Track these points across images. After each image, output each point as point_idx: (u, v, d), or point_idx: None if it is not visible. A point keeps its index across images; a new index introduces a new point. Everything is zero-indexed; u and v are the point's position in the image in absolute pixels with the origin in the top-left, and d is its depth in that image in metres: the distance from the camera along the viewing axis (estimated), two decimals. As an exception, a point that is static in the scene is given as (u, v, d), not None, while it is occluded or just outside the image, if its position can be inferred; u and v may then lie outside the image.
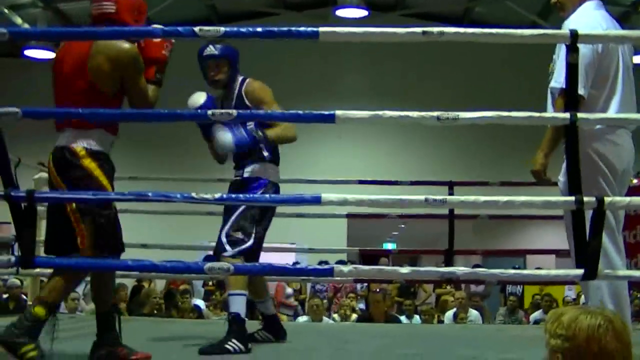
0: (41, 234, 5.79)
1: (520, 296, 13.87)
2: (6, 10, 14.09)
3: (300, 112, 3.76)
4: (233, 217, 4.70)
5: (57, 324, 3.81)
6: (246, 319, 4.60)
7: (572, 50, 3.61)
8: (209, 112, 3.85)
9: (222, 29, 3.67)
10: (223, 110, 3.90)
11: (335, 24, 3.84)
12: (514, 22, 14.87)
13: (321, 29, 3.66)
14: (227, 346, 4.38)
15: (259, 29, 3.73)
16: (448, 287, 12.37)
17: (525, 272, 3.98)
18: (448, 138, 16.55)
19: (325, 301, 11.57)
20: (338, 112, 3.65)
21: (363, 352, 4.92)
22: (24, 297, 9.48)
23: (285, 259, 12.42)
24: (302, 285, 12.69)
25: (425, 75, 17.03)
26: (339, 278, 7.25)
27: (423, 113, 3.68)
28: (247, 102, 4.79)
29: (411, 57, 16.29)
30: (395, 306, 11.93)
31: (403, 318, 10.27)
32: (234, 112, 3.89)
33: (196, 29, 3.65)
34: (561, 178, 3.94)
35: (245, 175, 4.86)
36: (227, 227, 4.69)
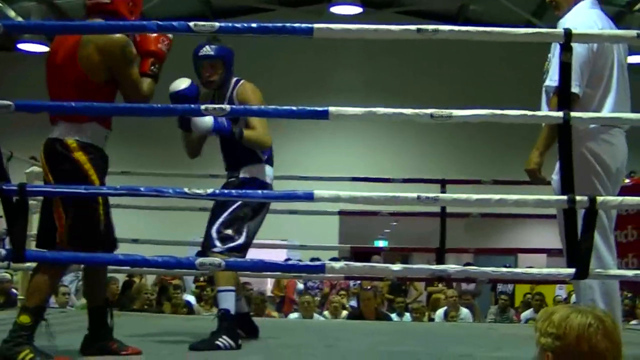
0: (33, 228, 5.78)
1: (511, 295, 13.89)
2: (0, 4, 14.05)
3: (294, 107, 3.75)
4: (225, 214, 4.69)
5: (49, 325, 3.79)
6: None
7: (565, 49, 3.62)
8: (202, 107, 3.84)
9: (217, 24, 3.66)
10: (216, 106, 3.89)
11: (329, 21, 3.82)
12: (509, 21, 14.89)
13: (316, 25, 3.66)
14: (218, 342, 4.38)
15: (254, 25, 3.72)
16: (440, 285, 12.37)
17: (516, 270, 3.99)
18: (441, 136, 16.57)
19: (317, 298, 11.57)
20: (331, 109, 3.64)
21: (354, 350, 4.92)
22: (15, 291, 9.44)
23: (277, 256, 12.40)
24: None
25: (419, 72, 17.05)
26: (330, 275, 7.25)
27: (417, 110, 3.68)
28: (237, 103, 4.79)
29: (405, 54, 16.28)
30: (386, 304, 11.94)
31: (394, 316, 10.27)
32: (227, 107, 3.88)
33: (191, 24, 3.64)
34: (554, 177, 3.94)
35: (242, 176, 4.86)
36: (218, 223, 4.69)
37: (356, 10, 14.69)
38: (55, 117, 3.94)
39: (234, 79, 4.93)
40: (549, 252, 8.38)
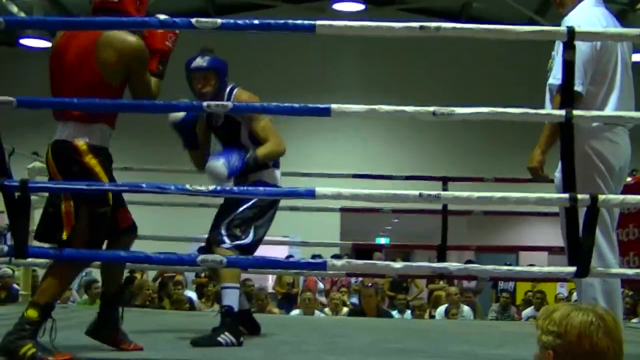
0: (34, 223, 5.79)
1: (512, 293, 13.88)
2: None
3: (296, 105, 3.76)
4: (236, 213, 4.70)
5: (54, 324, 3.80)
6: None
7: (568, 47, 3.62)
8: (205, 103, 3.84)
9: (219, 20, 3.66)
10: (219, 102, 3.89)
11: (331, 18, 3.82)
12: (512, 19, 14.86)
13: (318, 22, 3.65)
14: (220, 339, 4.38)
15: (256, 22, 3.72)
16: (441, 282, 12.38)
17: (518, 268, 4.00)
18: (443, 134, 16.57)
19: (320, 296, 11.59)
20: (334, 106, 3.64)
21: (354, 347, 4.93)
22: (16, 286, 9.46)
23: (278, 252, 12.41)
24: (295, 278, 12.67)
25: (419, 71, 17.05)
26: (332, 272, 7.25)
27: (419, 108, 3.68)
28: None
29: (406, 53, 16.29)
30: (387, 301, 11.95)
31: (395, 313, 10.28)
32: (229, 103, 3.89)
33: (193, 20, 3.63)
34: (557, 174, 3.94)
35: (250, 180, 4.86)
36: (227, 220, 4.69)
37: (358, 7, 14.69)
38: (63, 116, 3.92)
39: (229, 87, 4.90)
40: (550, 250, 8.37)
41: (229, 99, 4.83)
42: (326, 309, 10.53)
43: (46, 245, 3.95)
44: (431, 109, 3.62)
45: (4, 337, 3.64)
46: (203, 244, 5.02)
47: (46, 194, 5.73)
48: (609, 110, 3.94)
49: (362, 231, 19.73)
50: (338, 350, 4.71)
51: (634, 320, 9.17)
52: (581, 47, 3.76)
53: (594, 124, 3.90)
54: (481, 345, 5.05)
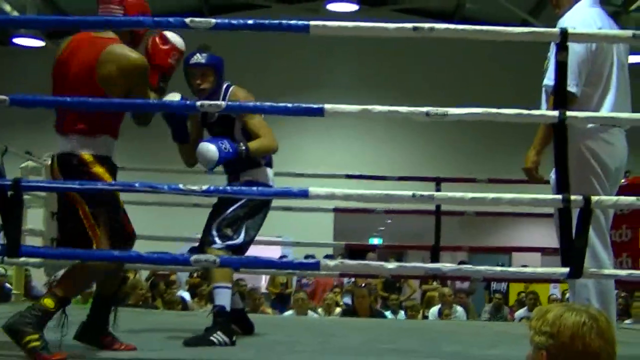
0: (27, 223, 5.77)
1: (505, 293, 13.91)
2: (-5, -2, 14.04)
3: (290, 104, 3.75)
4: (226, 212, 4.69)
5: (66, 319, 3.80)
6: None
7: (561, 48, 3.62)
8: (198, 103, 3.84)
9: (213, 20, 3.67)
10: (212, 102, 3.88)
11: (326, 18, 3.83)
12: (505, 20, 14.89)
13: (312, 22, 3.66)
14: (212, 338, 4.38)
15: (250, 22, 3.72)
16: (434, 283, 12.39)
17: (511, 269, 4.00)
18: (436, 134, 16.59)
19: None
20: (327, 106, 3.64)
21: (347, 346, 4.92)
22: (9, 286, 9.43)
23: (271, 252, 12.40)
24: (289, 279, 12.67)
25: (415, 71, 17.08)
26: (325, 272, 7.26)
27: (412, 108, 3.69)
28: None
29: (401, 54, 16.30)
30: (380, 301, 11.95)
31: (388, 313, 10.28)
32: (222, 103, 3.88)
33: (187, 20, 3.64)
34: (553, 175, 3.94)
35: (243, 179, 4.85)
36: (218, 220, 4.69)
37: (352, 7, 14.69)
38: (66, 130, 3.92)
39: (225, 85, 4.91)
40: (544, 250, 8.38)
41: (224, 97, 4.83)
42: (319, 310, 10.53)
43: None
44: (425, 109, 3.63)
45: (14, 315, 3.63)
46: (196, 244, 5.01)
47: (40, 194, 5.74)
48: (605, 111, 3.95)
49: (355, 232, 19.72)
50: (332, 350, 4.71)
51: (627, 322, 9.18)
52: (575, 48, 3.76)
53: (590, 125, 3.91)
54: (474, 346, 5.06)
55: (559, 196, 3.55)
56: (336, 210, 8.37)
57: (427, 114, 3.62)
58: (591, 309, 2.26)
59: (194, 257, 3.69)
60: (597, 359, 2.16)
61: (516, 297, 12.97)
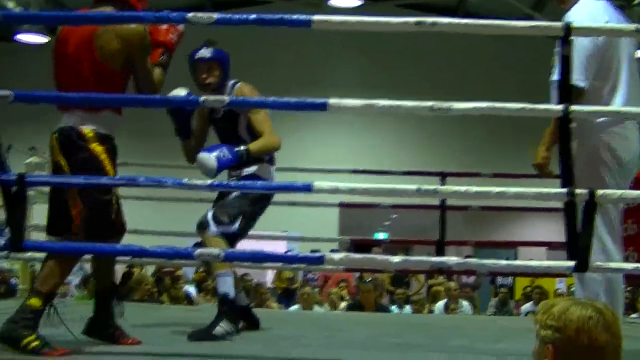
0: (32, 218, 5.77)
1: (511, 288, 13.90)
2: (-1, -6, 14.03)
3: (294, 100, 3.75)
4: (224, 201, 4.72)
5: (57, 312, 3.80)
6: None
7: (565, 42, 3.61)
8: (202, 98, 3.83)
9: (215, 15, 3.66)
10: (216, 97, 3.88)
11: (329, 14, 3.82)
12: (509, 14, 14.87)
13: (314, 17, 3.66)
14: (216, 332, 4.37)
15: (252, 17, 3.71)
16: (440, 278, 12.38)
17: (517, 263, 3.99)
18: (441, 129, 16.58)
19: (317, 290, 11.59)
20: (331, 101, 3.63)
21: (353, 341, 4.92)
22: (14, 281, 9.46)
23: (277, 248, 12.40)
24: (295, 274, 12.68)
25: (418, 66, 17.06)
26: (330, 267, 7.25)
27: (417, 103, 3.68)
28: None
29: (404, 50, 16.28)
30: (387, 296, 11.95)
31: (394, 308, 10.28)
32: (226, 98, 3.88)
33: (188, 15, 3.63)
34: None
35: (244, 174, 4.85)
36: (216, 208, 4.73)
37: (356, 3, 14.68)
38: (68, 105, 3.92)
39: (231, 82, 4.91)
40: (550, 245, 8.37)
41: (231, 92, 4.84)
42: (325, 304, 10.53)
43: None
44: (429, 104, 3.62)
45: (5, 323, 3.64)
46: (200, 240, 5.01)
47: (45, 189, 5.74)
48: (617, 106, 3.92)
49: (361, 227, 19.72)
50: (338, 344, 4.71)
51: (634, 316, 9.17)
52: (583, 42, 3.76)
53: (605, 119, 3.89)
54: (480, 340, 5.05)
55: (564, 190, 3.54)
56: (341, 205, 8.39)
57: (432, 108, 3.61)
58: (597, 303, 2.25)
59: (197, 251, 3.69)
60: (603, 353, 2.15)
61: (522, 292, 12.96)
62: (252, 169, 4.84)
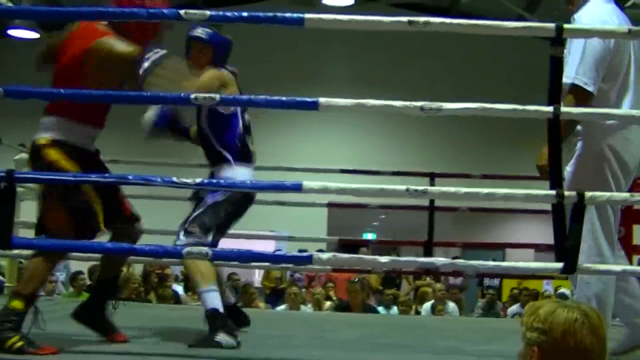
0: (20, 215, 5.75)
1: (497, 289, 13.94)
2: (-10, -11, 13.97)
3: (284, 98, 3.75)
4: (197, 211, 4.52)
5: (40, 313, 3.80)
6: None
7: (556, 43, 3.61)
8: (192, 95, 3.81)
9: (208, 12, 3.65)
10: (207, 95, 3.86)
11: (321, 12, 3.82)
12: (501, 15, 14.88)
13: (307, 15, 3.65)
14: (218, 339, 4.10)
15: (245, 14, 3.70)
16: (427, 279, 12.40)
17: (504, 264, 3.97)
18: (431, 129, 16.60)
19: (304, 290, 11.58)
20: (321, 100, 3.63)
21: (341, 341, 4.93)
22: (1, 278, 9.41)
23: (265, 247, 12.40)
24: (283, 273, 12.67)
25: (410, 65, 17.08)
26: (317, 266, 7.25)
27: (407, 103, 3.68)
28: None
29: (396, 48, 16.30)
30: (374, 296, 11.95)
31: (381, 309, 10.29)
32: (217, 96, 3.86)
33: (181, 11, 3.62)
34: (568, 168, 3.93)
35: (214, 175, 4.69)
36: (189, 218, 4.53)
37: (348, 1, 14.68)
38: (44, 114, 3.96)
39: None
40: (537, 247, 8.38)
41: None
42: (309, 304, 10.52)
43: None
44: (419, 104, 3.62)
45: None
46: None
47: (34, 186, 5.73)
48: (625, 109, 3.92)
49: (349, 227, 19.74)
50: (326, 344, 4.71)
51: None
52: (593, 44, 3.75)
53: (610, 122, 3.88)
54: (467, 342, 5.06)
55: (553, 192, 3.55)
56: (330, 205, 8.37)
57: (422, 108, 3.61)
58: (583, 306, 2.25)
59: (186, 249, 3.68)
60: (589, 356, 2.16)
61: (509, 293, 12.99)
62: (221, 171, 4.64)
